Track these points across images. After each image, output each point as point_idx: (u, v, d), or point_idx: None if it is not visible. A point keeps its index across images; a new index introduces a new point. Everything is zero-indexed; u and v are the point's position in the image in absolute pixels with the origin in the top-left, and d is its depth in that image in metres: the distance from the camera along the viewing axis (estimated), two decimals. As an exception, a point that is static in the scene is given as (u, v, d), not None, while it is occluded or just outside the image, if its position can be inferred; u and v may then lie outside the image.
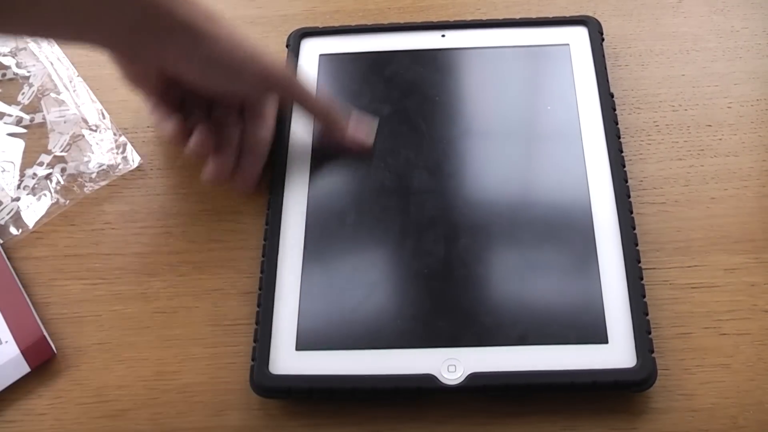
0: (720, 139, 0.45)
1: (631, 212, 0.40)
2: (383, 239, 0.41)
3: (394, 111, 0.45)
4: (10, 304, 0.40)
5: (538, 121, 0.45)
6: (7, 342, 0.39)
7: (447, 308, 0.38)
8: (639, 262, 0.39)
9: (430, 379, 0.36)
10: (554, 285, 0.39)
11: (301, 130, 0.45)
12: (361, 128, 0.44)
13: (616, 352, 0.36)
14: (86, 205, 0.45)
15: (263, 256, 0.40)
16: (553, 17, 0.48)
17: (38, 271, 0.43)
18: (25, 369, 0.39)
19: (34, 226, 0.44)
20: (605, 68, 0.46)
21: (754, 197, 0.43)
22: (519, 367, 0.36)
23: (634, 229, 0.40)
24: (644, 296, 0.38)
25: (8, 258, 0.43)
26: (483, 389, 0.36)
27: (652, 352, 0.36)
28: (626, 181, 0.41)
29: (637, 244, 0.39)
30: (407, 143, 0.44)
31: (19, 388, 0.39)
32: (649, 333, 0.37)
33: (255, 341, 0.38)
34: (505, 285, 0.39)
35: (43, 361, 0.39)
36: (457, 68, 0.47)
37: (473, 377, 0.36)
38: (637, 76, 0.47)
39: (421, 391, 0.36)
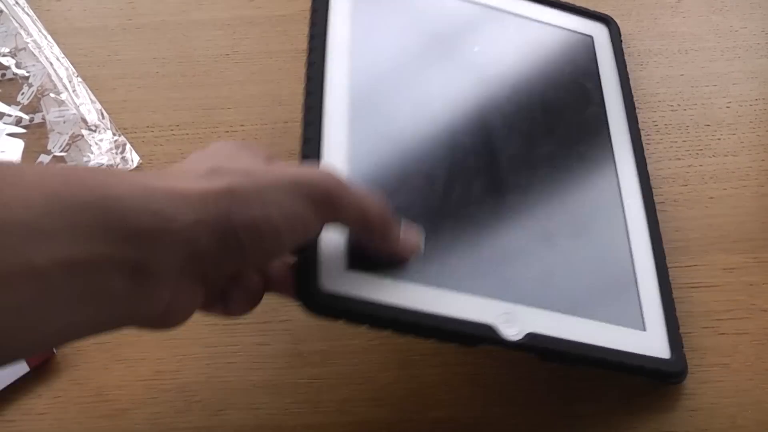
0: (719, 139, 0.45)
1: (655, 210, 0.41)
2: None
3: (421, 56, 0.43)
4: (9, 303, 0.40)
5: (564, 110, 0.44)
6: (6, 342, 0.39)
7: (510, 262, 0.37)
8: (664, 258, 0.39)
9: (489, 329, 0.34)
10: (602, 270, 0.38)
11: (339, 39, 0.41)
12: (412, 235, 0.35)
13: (654, 342, 0.37)
14: (86, 205, 0.45)
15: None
16: (579, 6, 0.48)
17: (38, 271, 0.43)
18: (25, 369, 0.39)
19: (33, 226, 0.44)
20: (626, 67, 0.46)
21: (753, 197, 0.43)
22: (569, 335, 0.35)
23: (659, 226, 0.40)
24: (671, 293, 0.38)
25: (8, 258, 0.43)
26: (540, 350, 0.35)
27: (683, 347, 0.37)
28: (648, 179, 0.42)
29: (661, 241, 0.40)
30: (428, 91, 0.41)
31: (19, 388, 0.39)
32: (678, 328, 0.37)
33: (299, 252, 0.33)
34: (568, 258, 0.38)
35: (42, 361, 0.39)
36: (493, 29, 0.46)
37: (532, 337, 0.34)
38: (636, 75, 0.47)
39: (479, 339, 0.34)
